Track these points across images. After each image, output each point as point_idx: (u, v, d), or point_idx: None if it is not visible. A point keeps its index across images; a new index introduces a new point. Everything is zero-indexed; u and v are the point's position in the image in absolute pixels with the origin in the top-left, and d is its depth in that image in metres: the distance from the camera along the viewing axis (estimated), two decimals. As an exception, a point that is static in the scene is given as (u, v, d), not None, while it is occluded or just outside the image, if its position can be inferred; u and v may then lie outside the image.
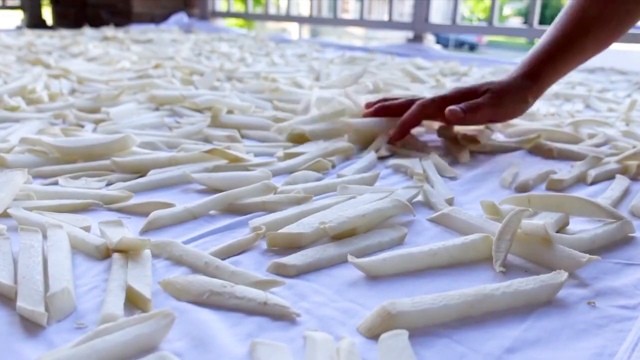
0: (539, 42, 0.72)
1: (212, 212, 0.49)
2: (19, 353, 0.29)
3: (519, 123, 0.80)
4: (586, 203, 0.45)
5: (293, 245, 0.42)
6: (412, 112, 0.69)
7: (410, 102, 0.71)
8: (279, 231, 0.42)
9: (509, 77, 0.70)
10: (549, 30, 0.72)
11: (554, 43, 0.70)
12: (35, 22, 2.77)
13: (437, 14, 2.35)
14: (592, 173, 0.60)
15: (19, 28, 2.54)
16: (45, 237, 0.39)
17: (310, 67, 1.35)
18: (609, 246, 0.44)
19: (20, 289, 0.33)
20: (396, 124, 0.70)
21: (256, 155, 0.64)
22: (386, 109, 0.72)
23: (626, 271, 0.40)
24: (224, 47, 1.75)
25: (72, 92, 0.98)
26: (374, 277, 0.38)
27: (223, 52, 1.62)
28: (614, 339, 0.32)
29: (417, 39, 2.09)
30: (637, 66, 1.59)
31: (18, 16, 2.93)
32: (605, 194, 0.54)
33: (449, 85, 1.15)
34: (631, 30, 1.62)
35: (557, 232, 0.45)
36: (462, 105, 0.66)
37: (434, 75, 1.30)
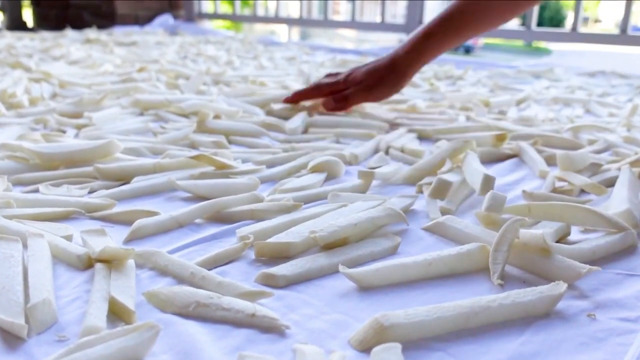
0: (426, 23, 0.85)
1: (198, 220, 0.48)
2: (-3, 367, 0.29)
3: (516, 129, 0.78)
4: (588, 212, 0.44)
5: (282, 255, 0.41)
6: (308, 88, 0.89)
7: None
8: (268, 240, 0.42)
9: (390, 56, 0.84)
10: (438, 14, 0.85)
11: (435, 22, 0.83)
12: (15, 23, 2.74)
13: (431, 15, 2.34)
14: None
15: (-3, 30, 2.51)
16: (25, 246, 0.39)
17: (299, 70, 1.34)
18: (611, 257, 0.43)
19: (-2, 300, 0.32)
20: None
21: (244, 161, 0.63)
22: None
23: (628, 282, 0.40)
24: (211, 50, 1.75)
25: (54, 96, 0.97)
26: (366, 288, 0.38)
27: (210, 55, 1.61)
28: (614, 353, 0.32)
29: (411, 41, 2.09)
30: (639, 70, 1.56)
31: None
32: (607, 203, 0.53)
33: (443, 89, 1.15)
34: (633, 33, 1.61)
35: (558, 241, 0.44)
36: (335, 96, 0.85)
37: (428, 79, 1.30)
